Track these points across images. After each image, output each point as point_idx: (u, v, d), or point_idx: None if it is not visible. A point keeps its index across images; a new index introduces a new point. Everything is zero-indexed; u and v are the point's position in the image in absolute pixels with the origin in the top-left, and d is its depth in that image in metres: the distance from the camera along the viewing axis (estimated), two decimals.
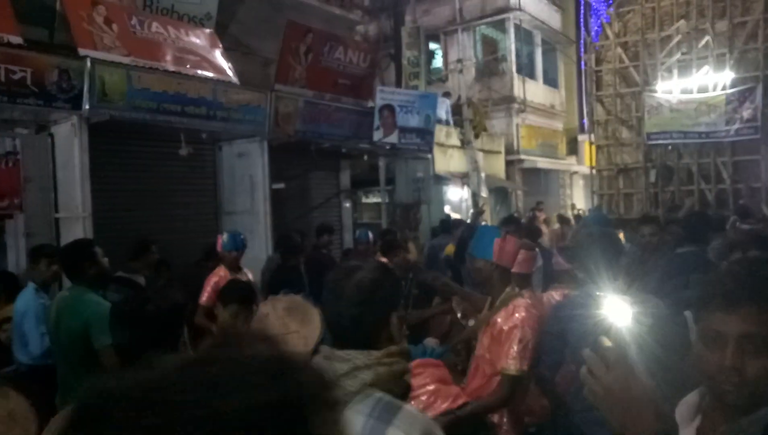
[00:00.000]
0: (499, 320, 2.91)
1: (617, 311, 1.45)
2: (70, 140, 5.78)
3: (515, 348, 2.75)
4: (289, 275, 5.47)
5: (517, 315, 2.84)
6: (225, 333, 0.62)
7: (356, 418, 1.31)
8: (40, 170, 5.91)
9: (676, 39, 12.60)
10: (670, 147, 12.73)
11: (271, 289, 5.40)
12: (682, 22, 12.48)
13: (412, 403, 2.62)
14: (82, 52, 5.96)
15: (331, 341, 1.50)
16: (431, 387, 2.68)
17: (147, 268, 5.24)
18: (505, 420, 2.85)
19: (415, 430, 1.32)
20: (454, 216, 11.95)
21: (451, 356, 3.54)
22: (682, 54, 12.61)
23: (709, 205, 12.06)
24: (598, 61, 13.82)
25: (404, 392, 1.47)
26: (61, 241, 5.77)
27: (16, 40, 5.49)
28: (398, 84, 12.95)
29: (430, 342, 3.61)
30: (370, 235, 6.21)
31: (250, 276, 5.37)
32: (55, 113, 5.77)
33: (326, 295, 1.50)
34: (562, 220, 10.92)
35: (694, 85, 12.34)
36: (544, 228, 10.02)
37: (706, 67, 12.22)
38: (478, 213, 9.29)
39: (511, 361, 2.74)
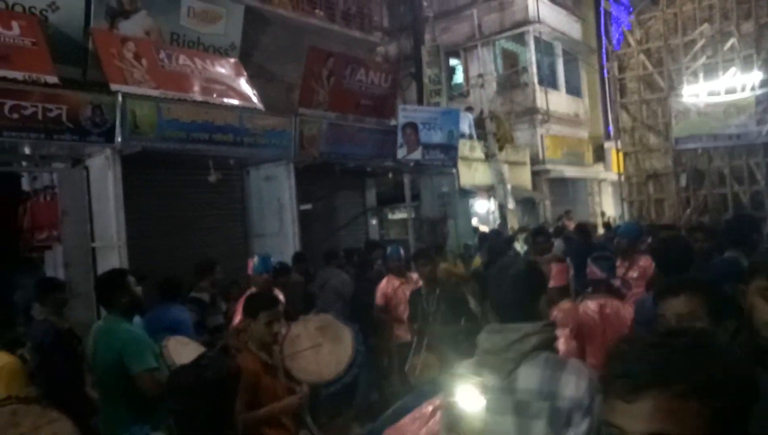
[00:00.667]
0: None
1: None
2: (104, 172, 6.00)
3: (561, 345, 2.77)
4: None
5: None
6: None
7: (533, 370, 1.74)
8: (76, 202, 6.13)
9: (700, 43, 12.45)
10: (699, 151, 12.51)
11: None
12: (705, 25, 12.34)
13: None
14: (113, 87, 6.19)
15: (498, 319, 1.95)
16: None
17: (212, 286, 5.39)
18: None
19: (583, 375, 1.69)
20: (482, 229, 11.92)
21: None
22: (708, 57, 12.44)
23: (744, 207, 11.78)
24: (621, 69, 13.72)
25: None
26: (97, 269, 5.95)
27: (52, 79, 5.75)
28: (420, 102, 13.05)
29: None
30: (401, 251, 6.29)
31: (281, 298, 5.45)
32: (89, 147, 5.99)
33: (491, 284, 1.99)
34: (582, 230, 10.59)
35: (721, 88, 12.13)
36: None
37: (733, 69, 12.02)
38: (519, 232, 9.07)
39: None
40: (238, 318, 4.94)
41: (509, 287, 1.90)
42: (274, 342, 3.48)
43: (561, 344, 2.78)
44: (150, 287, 4.82)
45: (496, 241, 7.91)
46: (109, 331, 3.39)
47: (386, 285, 6.01)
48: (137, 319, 4.15)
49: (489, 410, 1.78)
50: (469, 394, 1.86)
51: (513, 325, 1.83)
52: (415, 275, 6.12)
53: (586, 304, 3.67)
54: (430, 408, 2.65)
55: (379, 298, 5.98)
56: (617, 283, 3.93)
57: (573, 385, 1.67)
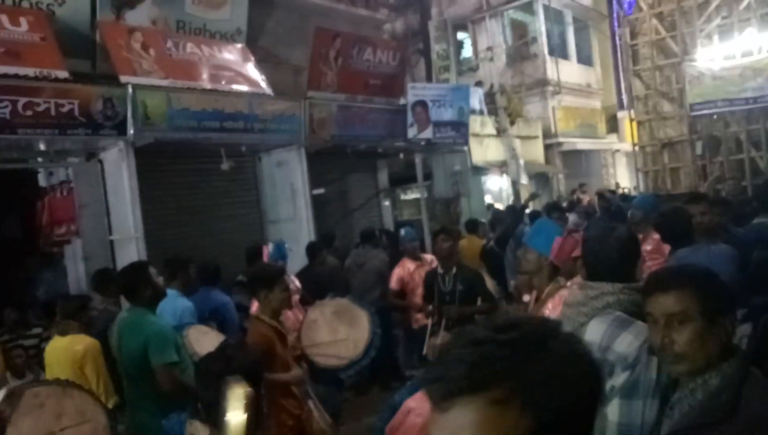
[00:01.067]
0: (547, 312, 2.92)
1: None
2: (118, 165, 6.05)
3: None
4: None
5: (557, 301, 2.85)
6: None
7: (599, 325, 1.84)
8: (92, 196, 6.20)
9: (714, 3, 12.15)
10: (715, 116, 12.29)
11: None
12: None
13: None
14: (123, 79, 6.20)
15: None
16: None
17: None
18: None
19: (640, 336, 1.72)
20: (497, 205, 11.87)
21: None
22: (723, 18, 12.15)
23: (762, 172, 11.61)
24: (633, 35, 13.45)
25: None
26: (116, 262, 6.04)
27: (63, 74, 5.77)
28: (429, 78, 12.93)
29: None
30: (414, 232, 6.30)
31: (297, 283, 5.50)
32: (103, 140, 6.03)
33: (591, 244, 2.13)
34: (601, 196, 10.49)
35: (737, 50, 11.86)
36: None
37: (749, 29, 11.72)
38: (531, 198, 8.96)
39: None
40: (255, 305, 5.01)
41: (609, 249, 2.04)
42: (289, 307, 3.71)
43: None
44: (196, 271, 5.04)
45: (512, 218, 7.88)
46: (134, 323, 3.47)
47: (401, 269, 5.99)
48: (187, 302, 4.41)
49: None
50: None
51: (595, 283, 2.00)
52: (429, 257, 6.12)
53: None
54: None
55: (394, 283, 5.96)
56: None
57: (626, 342, 1.76)
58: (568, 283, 3.02)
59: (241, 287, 5.44)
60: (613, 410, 1.71)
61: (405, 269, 5.96)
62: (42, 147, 5.88)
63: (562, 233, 3.07)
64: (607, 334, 1.82)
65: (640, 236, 5.17)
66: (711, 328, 1.46)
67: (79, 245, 6.27)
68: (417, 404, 2.71)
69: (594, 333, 1.85)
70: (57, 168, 6.42)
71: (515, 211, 8.28)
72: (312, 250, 6.56)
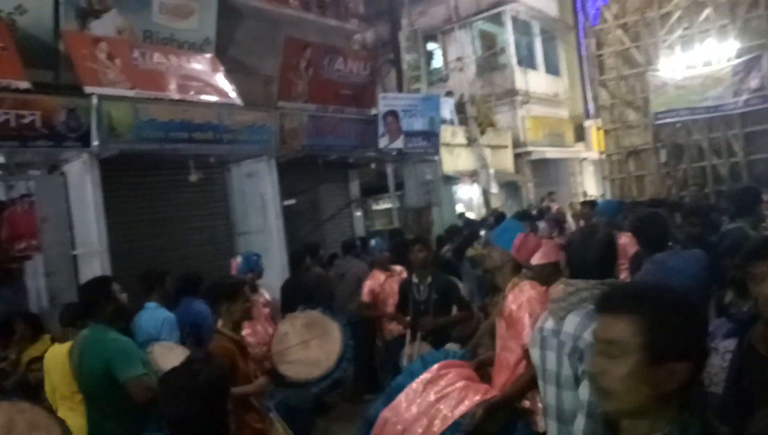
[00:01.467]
0: (508, 304, 2.95)
1: None
2: (82, 177, 5.91)
3: (527, 323, 2.79)
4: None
5: (522, 293, 2.89)
6: None
7: (573, 318, 2.07)
8: (55, 209, 6.03)
9: (676, 15, 12.50)
10: (678, 125, 12.63)
11: None
12: None
13: (444, 402, 2.66)
14: (87, 89, 6.08)
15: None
16: (460, 384, 2.72)
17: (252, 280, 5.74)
18: (539, 406, 2.86)
19: None
20: (469, 214, 11.95)
21: (470, 357, 3.57)
22: (684, 29, 12.51)
23: (723, 179, 11.94)
24: (599, 45, 13.75)
25: None
26: (80, 277, 5.88)
27: (24, 85, 5.63)
28: (400, 88, 13.00)
29: (451, 346, 3.65)
30: (383, 244, 6.28)
31: (267, 296, 5.43)
32: (66, 152, 5.89)
33: (574, 245, 2.27)
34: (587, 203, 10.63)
35: (698, 60, 12.22)
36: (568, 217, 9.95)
37: (709, 40, 12.09)
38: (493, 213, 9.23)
39: (527, 337, 2.76)
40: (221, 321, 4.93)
41: (591, 251, 2.19)
42: (250, 318, 3.67)
43: None
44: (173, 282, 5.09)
45: (470, 230, 8.04)
46: (96, 339, 3.36)
47: (372, 280, 5.96)
48: (168, 313, 4.45)
49: (543, 347, 2.22)
50: None
51: (573, 281, 2.20)
52: (398, 268, 6.11)
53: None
54: (421, 385, 2.73)
55: (365, 295, 5.92)
56: None
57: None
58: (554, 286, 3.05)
59: None
60: (584, 391, 1.95)
61: (376, 280, 5.92)
62: (2, 159, 5.71)
63: (524, 230, 3.12)
64: (579, 326, 2.04)
65: None
66: (654, 369, 1.16)
67: (40, 260, 6.08)
68: (392, 414, 2.69)
69: (569, 325, 2.09)
70: (17, 181, 6.23)
71: (472, 223, 8.38)
72: (295, 258, 6.51)
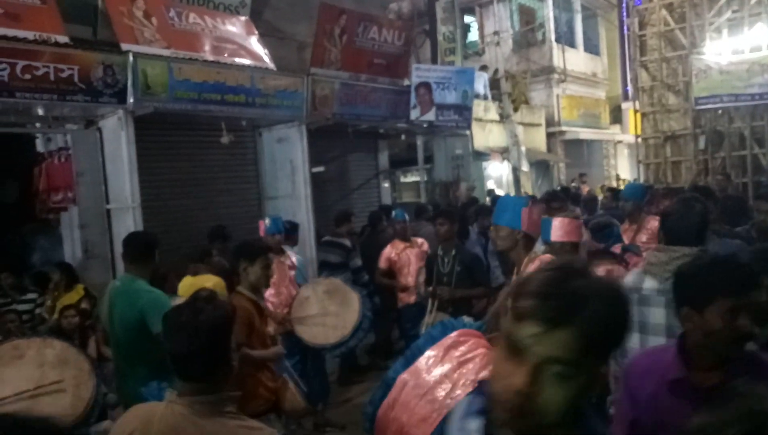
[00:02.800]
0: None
1: None
2: (117, 134, 5.99)
3: None
4: None
5: (537, 265, 2.82)
6: None
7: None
8: (90, 164, 6.16)
9: None
10: (720, 111, 12.20)
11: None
12: None
13: (466, 366, 2.66)
14: (124, 47, 6.13)
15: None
16: (481, 350, 2.71)
17: (349, 234, 6.38)
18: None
19: None
20: (498, 192, 11.84)
21: (486, 331, 3.55)
22: (733, 12, 11.98)
23: (764, 170, 11.56)
24: (642, 25, 13.29)
25: None
26: (113, 231, 6.02)
27: (63, 39, 5.69)
28: (434, 60, 12.80)
29: (466, 319, 3.63)
30: (406, 215, 6.29)
31: (294, 258, 5.49)
32: (102, 108, 5.97)
33: (674, 216, 2.58)
34: (611, 190, 10.46)
35: (746, 45, 11.72)
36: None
37: (759, 24, 11.58)
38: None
39: None
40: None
41: (689, 221, 2.47)
42: (267, 285, 3.70)
43: None
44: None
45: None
46: (130, 290, 3.46)
47: (390, 249, 6.03)
48: None
49: (641, 304, 2.45)
50: None
51: (675, 247, 2.46)
52: (419, 239, 6.13)
53: (594, 270, 3.67)
54: (442, 349, 2.72)
55: (382, 262, 6.00)
56: (617, 249, 3.90)
57: None
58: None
59: (335, 248, 6.20)
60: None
61: (394, 250, 5.99)
62: (40, 112, 5.83)
63: (527, 203, 3.04)
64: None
65: (635, 226, 5.19)
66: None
67: (75, 213, 6.25)
68: (411, 376, 2.69)
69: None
70: (55, 134, 6.37)
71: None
72: (374, 219, 7.21)
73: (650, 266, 2.54)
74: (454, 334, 2.85)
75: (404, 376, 2.72)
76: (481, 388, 2.60)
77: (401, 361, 2.82)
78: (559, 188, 11.55)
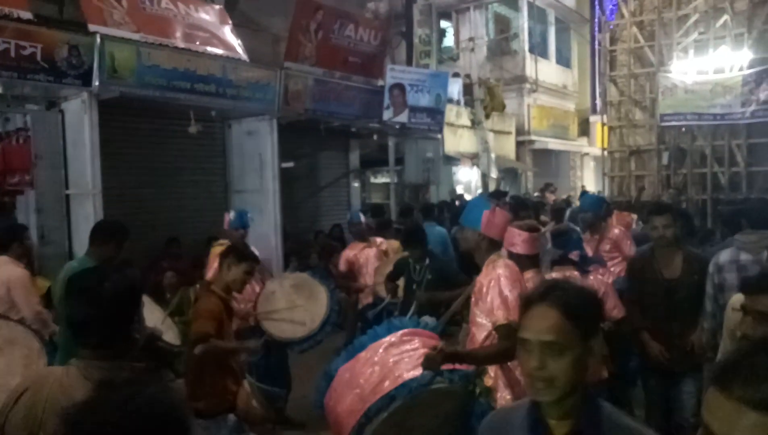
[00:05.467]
0: (480, 280, 2.92)
1: None
2: (80, 117, 5.80)
3: (497, 300, 2.74)
4: None
5: (494, 270, 2.84)
6: None
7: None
8: (50, 147, 5.94)
9: (693, 18, 12.35)
10: (683, 129, 12.55)
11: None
12: (699, 0, 12.22)
13: (400, 364, 2.66)
14: (91, 27, 5.94)
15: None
16: (422, 350, 2.70)
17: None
18: (500, 383, 2.85)
19: None
20: (466, 196, 11.91)
21: (443, 328, 3.54)
22: (699, 33, 12.36)
23: (722, 188, 11.94)
24: (613, 41, 13.59)
25: None
26: (71, 217, 5.82)
27: (26, 15, 5.48)
28: (409, 62, 12.83)
29: (426, 319, 3.62)
30: (362, 216, 6.24)
31: (256, 253, 5.38)
32: (66, 89, 5.77)
33: (755, 209, 3.78)
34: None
35: (710, 66, 12.10)
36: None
37: (723, 47, 11.97)
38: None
39: (498, 312, 2.73)
40: (211, 271, 4.90)
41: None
42: (239, 291, 3.62)
43: None
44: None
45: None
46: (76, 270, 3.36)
47: (350, 250, 6.00)
48: None
49: (739, 271, 3.33)
50: None
51: (763, 230, 3.46)
52: (378, 239, 6.10)
53: (551, 275, 3.72)
54: (382, 347, 2.73)
55: (342, 264, 5.96)
56: (575, 255, 3.97)
57: None
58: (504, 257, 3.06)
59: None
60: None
61: (352, 251, 5.96)
62: None
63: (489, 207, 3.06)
64: None
65: (596, 236, 5.30)
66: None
67: (32, 196, 6.01)
68: (350, 372, 2.70)
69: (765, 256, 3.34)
70: (14, 114, 6.12)
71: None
72: (406, 209, 7.65)
73: (744, 244, 3.45)
74: (399, 332, 2.86)
75: (342, 369, 2.73)
76: (406, 386, 2.58)
77: (344, 355, 2.83)
78: (524, 195, 11.71)
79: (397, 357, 2.71)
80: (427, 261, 4.80)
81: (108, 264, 3.47)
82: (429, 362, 2.45)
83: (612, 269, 5.01)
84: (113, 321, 1.64)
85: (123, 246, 3.54)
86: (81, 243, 5.56)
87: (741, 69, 11.75)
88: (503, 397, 2.83)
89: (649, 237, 4.03)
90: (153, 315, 3.95)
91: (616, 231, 5.37)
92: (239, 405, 3.29)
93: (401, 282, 4.93)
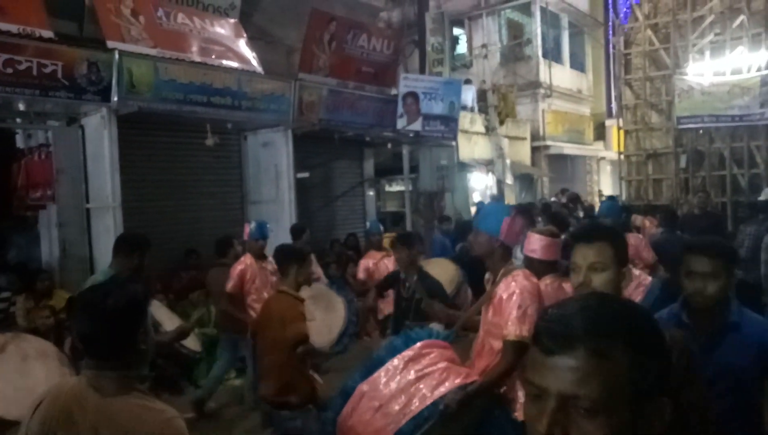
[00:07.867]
0: (498, 291, 2.88)
1: None
2: (99, 132, 5.90)
3: (514, 314, 2.69)
4: None
5: (515, 283, 2.79)
6: None
7: None
8: (71, 162, 6.05)
9: (709, 19, 12.22)
10: (701, 131, 12.41)
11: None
12: (715, 1, 12.10)
13: (424, 381, 2.63)
14: (110, 44, 6.05)
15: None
16: (442, 365, 2.68)
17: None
18: (519, 394, 2.81)
19: None
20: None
21: (455, 338, 3.53)
22: (716, 35, 12.23)
23: (743, 190, 11.76)
24: (627, 44, 13.50)
25: None
26: (92, 230, 5.91)
27: (47, 34, 5.60)
28: (422, 71, 12.86)
29: (436, 326, 3.61)
30: (381, 227, 6.29)
31: (275, 264, 5.42)
32: (85, 105, 5.89)
33: None
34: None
35: (727, 67, 11.95)
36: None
37: (740, 48, 11.83)
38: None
39: (511, 327, 2.68)
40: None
41: None
42: (309, 283, 3.89)
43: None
44: None
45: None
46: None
47: (367, 259, 6.04)
48: None
49: None
50: None
51: None
52: None
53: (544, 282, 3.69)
54: (402, 362, 2.69)
55: (360, 273, 6.00)
56: None
57: None
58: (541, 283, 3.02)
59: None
60: None
61: (370, 260, 6.02)
62: (21, 107, 5.73)
63: (510, 213, 3.04)
64: None
65: None
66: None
67: (54, 211, 6.13)
68: (370, 388, 2.66)
69: None
70: (36, 130, 6.26)
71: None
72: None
73: None
74: (417, 345, 2.80)
75: (363, 386, 2.68)
76: (435, 406, 2.56)
77: (361, 371, 2.77)
78: (542, 201, 11.63)
79: (420, 373, 2.67)
80: (416, 277, 4.72)
81: (133, 275, 3.54)
82: (455, 413, 2.49)
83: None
84: (116, 334, 1.71)
85: (146, 257, 3.60)
86: (102, 255, 5.65)
87: (759, 69, 11.59)
88: (522, 405, 2.82)
89: (671, 254, 3.82)
90: (172, 322, 4.04)
91: (633, 239, 5.31)
92: (320, 396, 3.44)
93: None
